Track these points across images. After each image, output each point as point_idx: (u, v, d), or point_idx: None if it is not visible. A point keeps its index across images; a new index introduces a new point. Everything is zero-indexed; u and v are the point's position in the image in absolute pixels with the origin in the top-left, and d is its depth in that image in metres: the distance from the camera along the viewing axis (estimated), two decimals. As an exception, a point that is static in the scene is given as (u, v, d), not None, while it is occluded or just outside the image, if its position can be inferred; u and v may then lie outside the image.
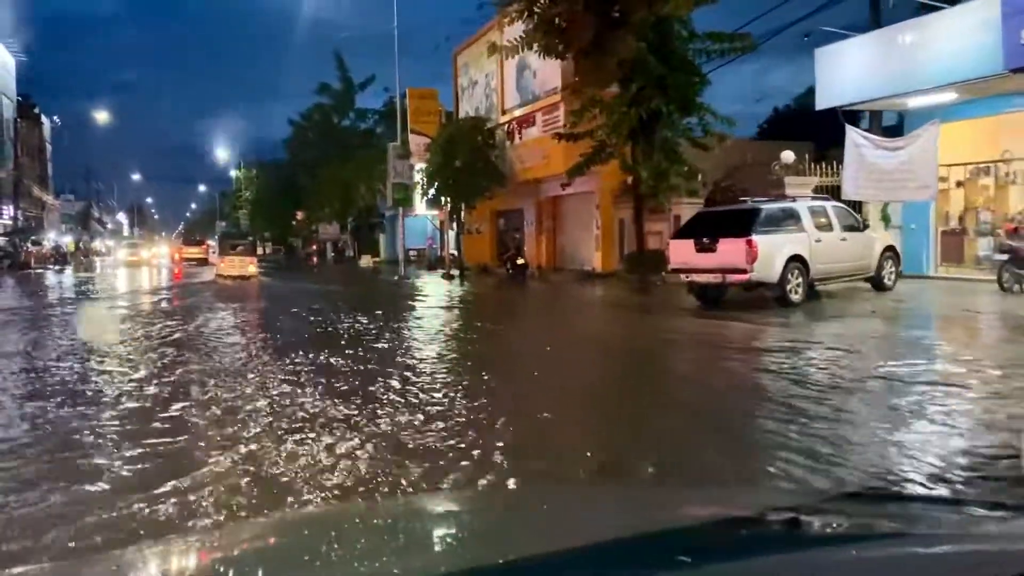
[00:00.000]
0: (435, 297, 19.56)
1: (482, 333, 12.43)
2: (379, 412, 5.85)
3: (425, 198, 28.64)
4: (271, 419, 5.70)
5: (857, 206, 17.54)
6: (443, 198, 27.59)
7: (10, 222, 52.57)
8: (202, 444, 5.03)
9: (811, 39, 18.81)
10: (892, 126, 19.68)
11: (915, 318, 12.87)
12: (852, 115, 18.04)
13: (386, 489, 4.09)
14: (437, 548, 1.48)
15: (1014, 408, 5.77)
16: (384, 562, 1.33)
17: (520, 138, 27.39)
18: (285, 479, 4.23)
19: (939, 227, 18.67)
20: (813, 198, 15.64)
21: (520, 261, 24.93)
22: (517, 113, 27.52)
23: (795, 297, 13.88)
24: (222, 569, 1.39)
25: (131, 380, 7.55)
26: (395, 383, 7.09)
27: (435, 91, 31.62)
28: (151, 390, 6.99)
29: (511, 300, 19.27)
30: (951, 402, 6.01)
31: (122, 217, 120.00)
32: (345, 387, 6.92)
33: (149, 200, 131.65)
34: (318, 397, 6.48)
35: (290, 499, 3.90)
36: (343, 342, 10.33)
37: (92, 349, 9.91)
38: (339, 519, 1.91)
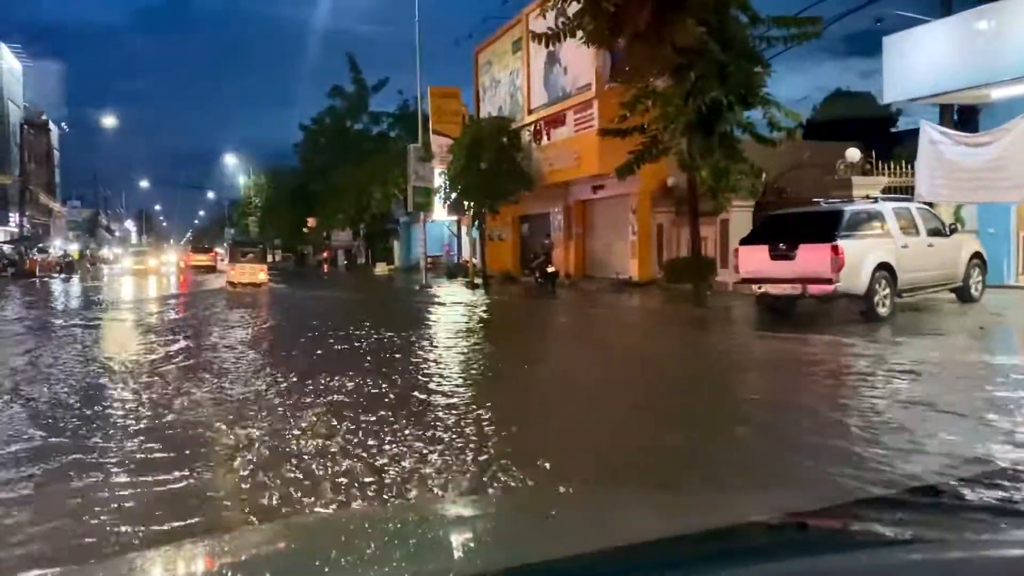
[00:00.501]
0: (464, 310, 17.97)
1: (532, 357, 10.84)
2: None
3: (447, 202, 27.01)
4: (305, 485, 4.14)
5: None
6: (466, 202, 26.01)
7: (16, 229, 51.31)
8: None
9: (853, 33, 17.19)
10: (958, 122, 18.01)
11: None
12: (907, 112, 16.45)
13: None
14: (445, 553, 1.47)
15: None
16: (394, 567, 1.34)
17: (548, 138, 25.82)
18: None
19: (1020, 231, 17.01)
20: (883, 199, 13.99)
21: (551, 269, 23.32)
22: (545, 112, 25.95)
23: (883, 310, 12.29)
24: (231, 574, 1.38)
25: (129, 419, 6.01)
26: (453, 437, 5.52)
27: (457, 90, 30.04)
28: (154, 444, 5.42)
29: (549, 314, 17.64)
30: None
31: (130, 224, 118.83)
32: (391, 446, 5.35)
33: (157, 207, 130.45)
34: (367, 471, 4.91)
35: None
36: (380, 374, 8.76)
37: (86, 382, 8.37)
38: (349, 524, 1.94)
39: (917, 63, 16.35)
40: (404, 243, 47.31)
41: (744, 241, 13.35)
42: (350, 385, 7.40)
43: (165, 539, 3.35)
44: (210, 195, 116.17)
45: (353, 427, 5.66)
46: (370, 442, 5.21)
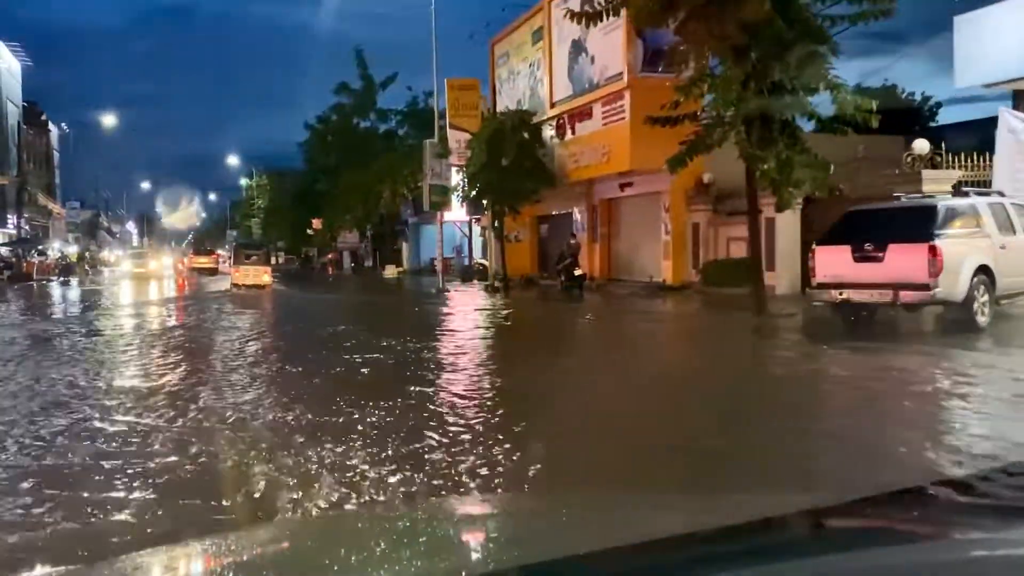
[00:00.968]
0: (495, 320, 16.45)
1: (586, 379, 9.32)
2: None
3: (465, 201, 25.45)
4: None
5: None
6: (485, 201, 24.48)
7: (14, 231, 49.90)
8: None
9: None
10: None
11: None
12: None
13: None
14: (448, 553, 1.48)
15: None
16: (400, 568, 1.34)
17: (572, 133, 24.28)
18: None
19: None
20: (974, 193, 12.45)
21: (578, 272, 21.80)
22: (569, 105, 24.42)
23: (982, 319, 10.79)
24: (236, 574, 1.37)
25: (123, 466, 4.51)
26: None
27: (476, 81, 28.43)
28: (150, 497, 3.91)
29: (592, 325, 16.08)
30: None
31: (131, 226, 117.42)
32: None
33: (159, 209, 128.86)
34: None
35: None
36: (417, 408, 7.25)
37: (68, 411, 6.87)
38: (358, 523, 1.95)
39: (994, 45, 14.85)
40: (413, 245, 45.82)
41: (822, 241, 11.79)
42: (399, 430, 5.88)
43: None
44: (212, 197, 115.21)
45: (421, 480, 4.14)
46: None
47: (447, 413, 6.33)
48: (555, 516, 1.71)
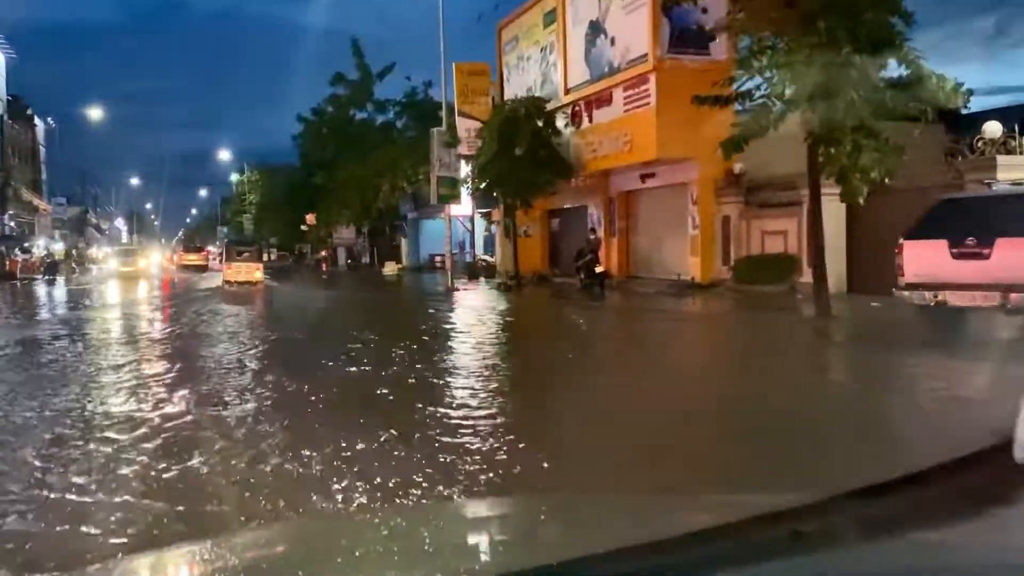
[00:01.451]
0: (518, 325, 14.93)
1: (676, 418, 7.80)
2: None
3: (475, 194, 23.84)
4: None
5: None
6: (497, 194, 22.92)
7: (-3, 228, 48.13)
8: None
9: None
10: None
11: None
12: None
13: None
14: (449, 556, 1.46)
15: None
16: (403, 571, 1.35)
17: (589, 121, 22.74)
18: None
19: None
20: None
21: (599, 269, 20.31)
22: (586, 91, 22.88)
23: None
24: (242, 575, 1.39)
25: None
26: None
27: (486, 66, 26.81)
28: None
29: (627, 328, 14.57)
30: None
31: (121, 223, 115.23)
32: None
33: (148, 206, 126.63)
34: None
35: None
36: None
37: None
38: (362, 524, 1.93)
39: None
40: (412, 241, 44.18)
41: (910, 235, 10.27)
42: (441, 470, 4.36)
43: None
44: (202, 193, 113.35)
45: None
46: None
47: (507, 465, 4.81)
48: (536, 522, 1.70)
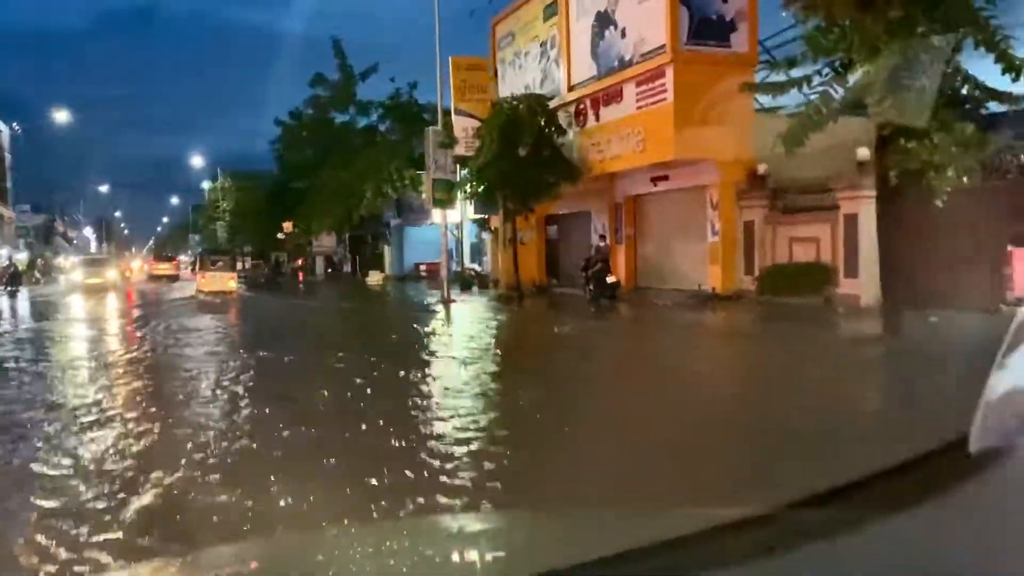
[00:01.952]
0: (539, 347, 13.24)
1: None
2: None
3: (473, 198, 22.08)
4: None
5: None
6: (498, 198, 21.19)
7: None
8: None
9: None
10: None
11: None
12: None
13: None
14: (440, 569, 1.47)
15: None
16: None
17: (596, 119, 21.13)
18: None
19: None
20: None
21: (611, 279, 18.67)
22: (592, 88, 21.27)
23: None
24: None
25: None
26: None
27: (484, 61, 25.09)
28: None
29: (668, 350, 12.83)
30: None
31: (89, 232, 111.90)
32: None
33: (118, 214, 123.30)
34: None
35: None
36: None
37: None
38: (357, 540, 1.89)
39: None
40: (396, 249, 42.37)
41: (1020, 241, 8.71)
42: None
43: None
44: (174, 200, 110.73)
45: None
46: None
47: None
48: (526, 534, 1.75)
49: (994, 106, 11.49)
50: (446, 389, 8.59)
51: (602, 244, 20.05)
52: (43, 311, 23.40)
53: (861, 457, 4.86)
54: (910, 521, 1.28)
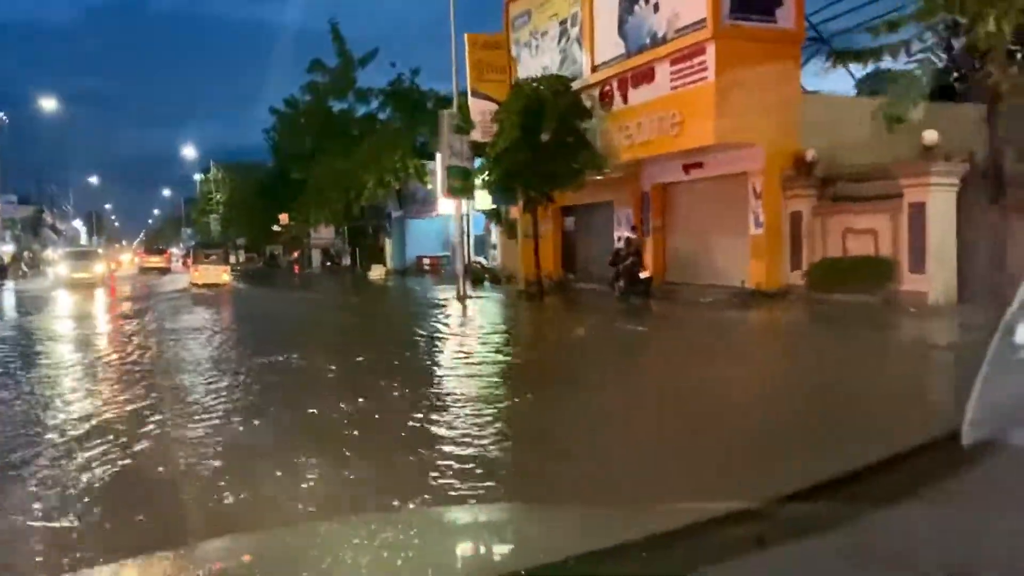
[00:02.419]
0: (595, 355, 11.71)
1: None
2: None
3: (491, 187, 20.46)
4: None
5: None
6: (517, 187, 19.62)
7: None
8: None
9: None
10: None
11: None
12: None
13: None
14: (411, 564, 1.46)
15: None
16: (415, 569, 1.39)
17: (624, 102, 19.58)
18: None
19: None
20: None
21: (644, 274, 17.19)
22: (619, 68, 19.71)
23: None
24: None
25: None
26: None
27: (502, 38, 23.44)
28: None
29: (737, 356, 11.29)
30: None
31: (79, 224, 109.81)
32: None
33: (108, 206, 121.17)
34: None
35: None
36: None
37: None
38: (355, 532, 1.83)
39: None
40: (397, 241, 40.75)
41: None
42: None
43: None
44: (166, 193, 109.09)
45: None
46: None
47: None
48: (517, 530, 1.75)
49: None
50: (503, 410, 7.09)
51: (633, 236, 18.51)
52: (25, 307, 21.82)
53: None
54: (903, 513, 1.32)
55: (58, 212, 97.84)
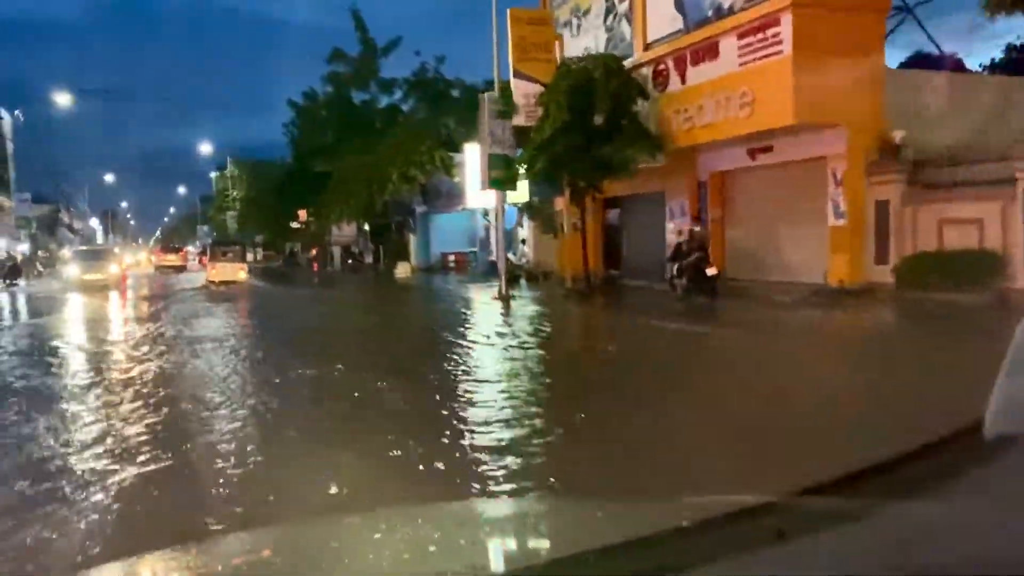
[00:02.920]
0: (692, 372, 10.04)
1: None
2: None
3: (536, 175, 18.74)
4: None
5: None
6: (567, 177, 17.93)
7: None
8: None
9: None
10: None
11: None
12: None
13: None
14: (428, 559, 1.42)
15: None
16: (406, 570, 1.32)
17: (682, 82, 17.86)
18: None
19: None
20: None
21: (711, 271, 15.51)
22: (675, 45, 18.00)
23: None
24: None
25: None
26: None
27: (548, 14, 21.70)
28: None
29: (855, 370, 9.59)
30: None
31: (95, 223, 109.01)
32: None
33: (124, 204, 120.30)
34: None
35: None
36: None
37: None
38: (364, 527, 1.79)
39: None
40: (421, 238, 39.18)
41: None
42: None
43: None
44: (181, 190, 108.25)
45: None
46: None
47: None
48: (521, 524, 1.70)
49: None
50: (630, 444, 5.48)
51: (696, 229, 16.76)
52: (37, 309, 20.42)
53: None
54: (925, 507, 1.31)
55: (75, 211, 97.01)
